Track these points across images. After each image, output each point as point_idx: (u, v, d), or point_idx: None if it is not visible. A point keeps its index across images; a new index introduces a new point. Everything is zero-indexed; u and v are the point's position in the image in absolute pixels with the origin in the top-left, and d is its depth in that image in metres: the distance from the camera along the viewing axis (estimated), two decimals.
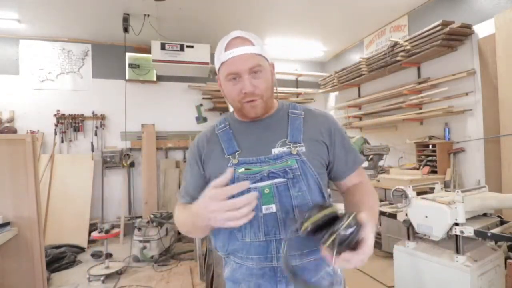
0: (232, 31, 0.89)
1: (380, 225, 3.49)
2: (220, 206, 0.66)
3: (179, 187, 4.63)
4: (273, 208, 0.84)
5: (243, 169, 0.87)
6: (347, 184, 0.98)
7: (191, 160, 0.99)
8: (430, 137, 3.55)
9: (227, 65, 0.86)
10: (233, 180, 0.87)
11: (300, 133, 0.91)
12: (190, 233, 0.94)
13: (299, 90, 5.58)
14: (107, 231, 3.14)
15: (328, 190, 1.00)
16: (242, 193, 0.85)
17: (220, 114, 5.12)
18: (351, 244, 0.62)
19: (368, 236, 0.63)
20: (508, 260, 1.78)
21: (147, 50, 4.46)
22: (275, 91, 1.04)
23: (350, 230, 0.61)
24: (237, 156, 0.89)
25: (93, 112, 4.59)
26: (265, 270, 0.86)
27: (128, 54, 4.62)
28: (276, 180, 0.85)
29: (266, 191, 0.85)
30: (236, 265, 0.90)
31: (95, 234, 3.18)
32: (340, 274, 0.93)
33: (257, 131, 0.94)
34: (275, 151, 0.88)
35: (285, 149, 0.88)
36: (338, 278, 0.92)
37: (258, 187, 0.85)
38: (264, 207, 0.84)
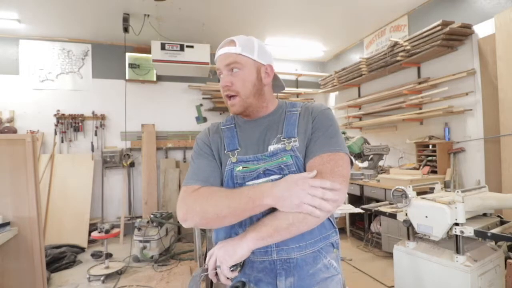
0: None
1: (380, 225, 3.49)
2: (311, 189, 0.77)
3: (179, 187, 4.64)
4: None
5: (240, 168, 0.91)
6: (308, 167, 0.87)
7: (203, 148, 0.99)
8: (430, 137, 3.55)
9: (216, 64, 0.98)
10: (232, 178, 0.92)
11: (294, 128, 0.93)
12: (222, 218, 0.82)
13: (299, 90, 5.58)
14: (107, 231, 3.14)
15: None
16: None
17: (220, 114, 5.13)
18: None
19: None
20: (508, 260, 1.79)
21: (147, 50, 4.46)
22: (275, 92, 1.06)
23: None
24: (236, 154, 0.93)
25: (93, 112, 4.59)
26: (265, 263, 0.88)
27: (128, 54, 4.62)
28: (272, 177, 0.89)
29: None
30: None
31: (95, 234, 3.18)
32: (337, 266, 0.94)
33: (258, 130, 0.97)
34: (271, 148, 0.91)
35: (279, 146, 0.91)
36: (335, 271, 0.93)
37: (255, 184, 0.88)
38: None
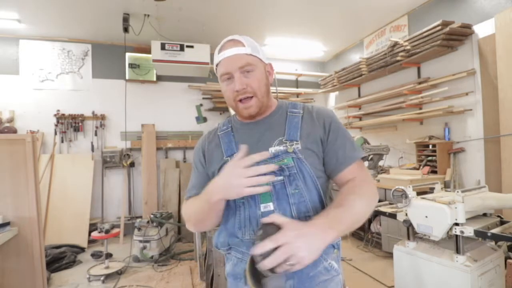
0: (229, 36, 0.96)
1: (380, 225, 3.49)
2: (245, 171, 0.73)
3: (179, 187, 4.65)
4: (270, 206, 0.87)
5: None
6: (341, 180, 0.92)
7: (195, 161, 1.04)
8: (430, 137, 3.55)
9: (220, 66, 0.93)
10: None
11: (297, 131, 0.92)
12: (201, 221, 0.91)
13: (299, 90, 5.59)
14: (107, 231, 3.14)
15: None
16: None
17: (220, 114, 5.13)
18: (268, 252, 0.62)
19: (276, 237, 0.64)
20: (508, 260, 1.79)
21: (147, 50, 4.46)
22: (274, 91, 1.07)
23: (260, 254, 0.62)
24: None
25: (93, 112, 4.59)
26: None
27: (128, 54, 4.62)
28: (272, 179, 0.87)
29: None
30: (237, 260, 0.93)
31: (95, 234, 3.18)
32: (337, 267, 0.93)
33: (257, 132, 0.96)
34: (272, 150, 0.90)
35: (281, 148, 0.90)
36: (335, 272, 0.93)
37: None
38: (262, 205, 0.87)
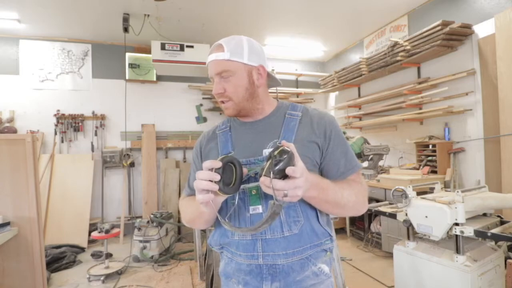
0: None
1: (380, 225, 3.49)
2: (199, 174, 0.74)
3: (179, 187, 4.65)
4: (259, 209, 0.87)
5: None
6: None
7: (194, 157, 1.08)
8: (430, 137, 3.55)
9: (208, 69, 0.96)
10: None
11: (292, 134, 0.91)
12: (193, 222, 0.97)
13: (299, 90, 5.59)
14: (107, 231, 3.14)
15: None
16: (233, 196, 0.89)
17: (220, 114, 5.13)
18: (283, 172, 0.65)
19: (297, 164, 0.67)
20: (508, 260, 1.78)
21: (147, 50, 4.46)
22: (273, 91, 1.07)
23: (283, 156, 0.65)
24: None
25: (93, 112, 4.59)
26: (252, 267, 0.88)
27: (128, 54, 4.62)
28: None
29: (253, 192, 0.87)
30: (228, 259, 0.94)
31: (95, 234, 3.18)
32: (328, 271, 0.92)
33: (253, 132, 0.96)
34: (266, 152, 0.90)
35: None
36: (325, 276, 0.92)
37: (245, 188, 0.88)
38: (251, 207, 0.88)
